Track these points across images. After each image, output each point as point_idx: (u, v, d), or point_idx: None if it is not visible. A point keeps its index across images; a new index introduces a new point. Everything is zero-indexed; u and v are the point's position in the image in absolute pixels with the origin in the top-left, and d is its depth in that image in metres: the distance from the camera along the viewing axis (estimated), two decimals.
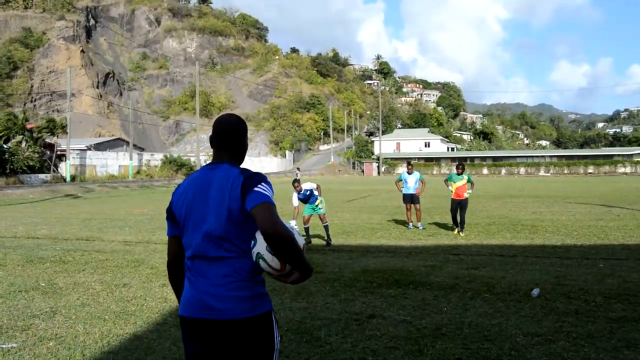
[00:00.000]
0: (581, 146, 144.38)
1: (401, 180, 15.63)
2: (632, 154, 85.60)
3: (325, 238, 12.41)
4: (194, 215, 2.61)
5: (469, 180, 13.85)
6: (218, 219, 2.53)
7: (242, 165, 2.75)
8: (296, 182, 12.74)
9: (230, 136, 2.74)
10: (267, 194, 2.49)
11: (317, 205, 12.65)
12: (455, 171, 14.14)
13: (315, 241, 12.67)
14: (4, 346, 5.21)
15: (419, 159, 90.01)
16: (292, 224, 12.80)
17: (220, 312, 2.47)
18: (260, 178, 2.55)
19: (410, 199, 15.27)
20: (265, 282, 2.62)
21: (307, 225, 12.67)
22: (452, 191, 13.92)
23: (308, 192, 12.58)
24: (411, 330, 5.64)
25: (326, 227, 12.56)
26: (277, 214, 2.43)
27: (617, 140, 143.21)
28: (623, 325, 5.74)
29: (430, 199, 24.57)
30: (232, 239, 2.52)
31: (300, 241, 2.53)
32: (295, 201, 12.60)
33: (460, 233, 13.29)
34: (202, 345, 2.54)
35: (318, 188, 12.80)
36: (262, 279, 2.61)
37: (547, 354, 4.92)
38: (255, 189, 2.47)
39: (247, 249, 2.53)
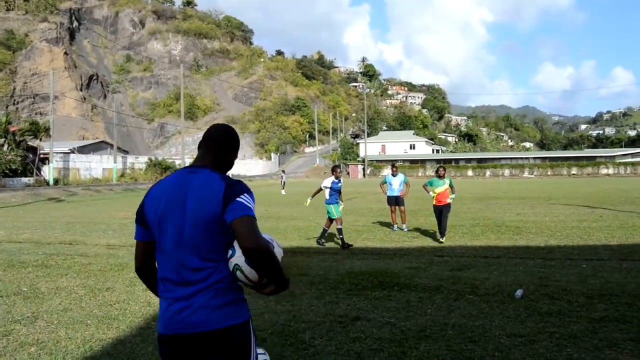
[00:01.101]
0: (564, 148, 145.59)
1: (386, 182, 15.67)
2: (614, 155, 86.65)
3: (318, 237, 12.47)
4: (169, 222, 2.51)
5: (450, 184, 12.98)
6: (195, 227, 2.46)
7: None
8: (338, 168, 12.67)
9: (222, 144, 2.68)
10: (249, 205, 2.43)
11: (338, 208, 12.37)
12: (435, 176, 13.13)
13: (308, 242, 12.63)
14: None
15: (404, 161, 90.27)
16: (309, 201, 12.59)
17: (197, 325, 2.43)
18: (242, 187, 2.48)
19: (395, 201, 15.31)
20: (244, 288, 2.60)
21: (340, 227, 12.14)
22: (433, 197, 12.93)
23: (340, 184, 12.51)
24: (395, 332, 5.64)
25: (325, 231, 12.42)
26: (257, 228, 2.38)
27: (600, 141, 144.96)
28: (605, 325, 5.79)
29: (415, 201, 24.66)
30: (210, 248, 2.46)
31: (279, 253, 2.54)
32: (327, 183, 12.32)
33: (441, 239, 12.47)
34: None
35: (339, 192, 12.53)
36: (239, 285, 2.56)
37: (531, 355, 4.94)
38: (238, 199, 2.41)
39: (224, 258, 2.48)
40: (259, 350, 2.74)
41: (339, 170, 12.63)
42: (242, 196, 2.43)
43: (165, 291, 2.52)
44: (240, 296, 2.55)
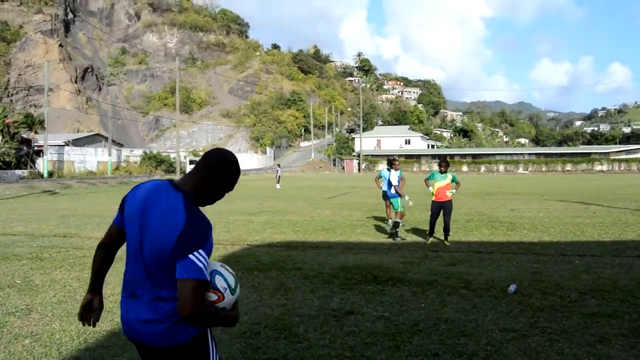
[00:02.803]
0: (559, 144, 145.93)
1: (381, 177, 15.68)
2: (608, 152, 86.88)
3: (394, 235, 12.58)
4: (134, 231, 2.52)
5: (453, 180, 11.83)
6: (148, 253, 2.45)
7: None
8: (395, 160, 13.18)
9: (208, 169, 2.57)
10: (201, 266, 2.33)
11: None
12: (437, 169, 11.92)
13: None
14: None
15: (399, 156, 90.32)
16: (406, 198, 12.90)
17: (148, 338, 2.49)
18: (200, 239, 2.37)
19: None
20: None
21: (401, 220, 12.89)
22: (432, 193, 11.83)
23: (400, 177, 13.11)
24: (389, 326, 5.68)
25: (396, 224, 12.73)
26: (201, 293, 2.33)
27: (595, 138, 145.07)
28: (597, 320, 5.84)
29: (410, 196, 24.66)
30: (161, 280, 2.45)
31: (227, 301, 2.50)
32: (395, 179, 12.99)
33: (445, 242, 11.56)
34: None
35: (395, 187, 12.99)
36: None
37: (522, 349, 4.99)
38: (191, 256, 2.32)
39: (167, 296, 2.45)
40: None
41: (396, 162, 13.28)
42: (197, 253, 2.33)
43: (124, 297, 2.64)
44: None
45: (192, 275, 2.30)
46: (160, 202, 2.46)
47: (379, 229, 14.38)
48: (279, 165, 45.49)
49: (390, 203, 12.91)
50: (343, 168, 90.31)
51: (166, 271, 2.40)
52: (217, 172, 2.56)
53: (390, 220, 15.24)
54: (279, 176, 40.50)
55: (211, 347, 2.57)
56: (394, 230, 12.49)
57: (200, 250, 2.34)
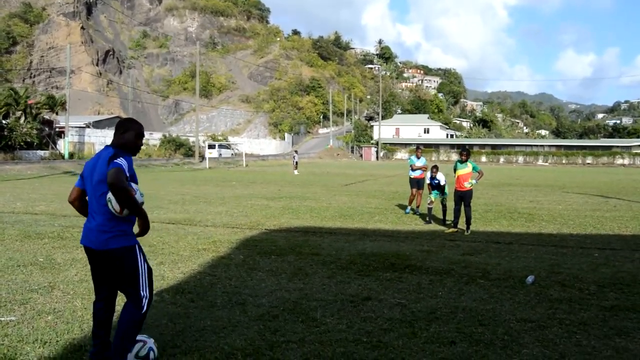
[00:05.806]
0: (580, 136, 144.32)
1: (412, 164, 15.60)
2: (630, 146, 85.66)
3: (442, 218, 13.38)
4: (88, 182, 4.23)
5: (474, 169, 11.74)
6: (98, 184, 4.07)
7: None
8: (435, 168, 13.60)
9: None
10: (120, 163, 3.86)
11: (443, 196, 13.45)
12: (459, 158, 11.89)
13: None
14: (2, 319, 5.26)
15: (418, 145, 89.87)
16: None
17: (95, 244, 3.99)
18: (120, 156, 4.01)
19: (417, 184, 15.30)
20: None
21: (431, 206, 13.50)
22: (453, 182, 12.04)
23: (437, 182, 13.39)
24: (406, 313, 5.70)
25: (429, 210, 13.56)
26: (120, 175, 3.78)
27: (617, 131, 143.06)
28: (615, 313, 5.81)
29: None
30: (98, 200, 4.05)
31: (139, 198, 3.99)
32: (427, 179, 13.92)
33: (466, 232, 11.50)
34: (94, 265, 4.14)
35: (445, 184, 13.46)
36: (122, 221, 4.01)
37: (540, 340, 4.98)
38: (115, 160, 3.89)
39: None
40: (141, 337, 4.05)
41: (434, 170, 13.54)
42: (117, 159, 3.87)
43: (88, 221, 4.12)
44: (122, 230, 4.01)
45: (113, 166, 3.83)
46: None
47: (397, 217, 14.36)
48: (296, 152, 45.50)
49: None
50: (361, 156, 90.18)
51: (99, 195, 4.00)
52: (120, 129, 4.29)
53: (408, 208, 15.23)
54: (296, 162, 40.54)
55: (138, 259, 4.12)
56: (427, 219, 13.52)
57: (120, 158, 3.98)
